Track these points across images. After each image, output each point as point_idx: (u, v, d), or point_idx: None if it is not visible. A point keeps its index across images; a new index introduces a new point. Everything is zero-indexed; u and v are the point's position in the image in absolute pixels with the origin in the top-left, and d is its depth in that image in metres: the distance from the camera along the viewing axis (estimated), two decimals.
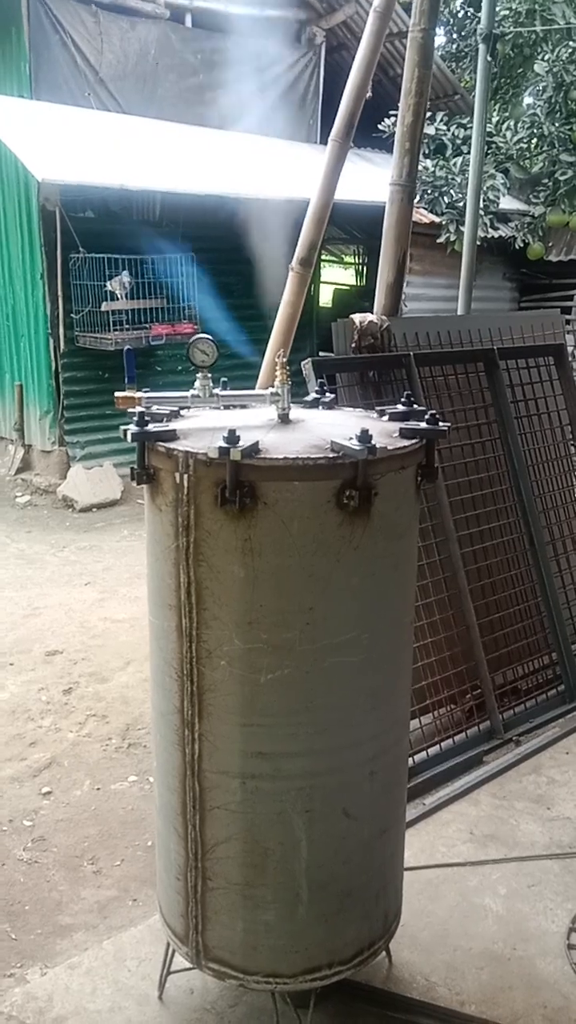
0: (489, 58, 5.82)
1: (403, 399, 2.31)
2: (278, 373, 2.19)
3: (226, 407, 2.36)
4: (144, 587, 2.16)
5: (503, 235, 9.85)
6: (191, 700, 2.02)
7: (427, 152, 9.35)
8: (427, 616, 3.60)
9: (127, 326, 7.92)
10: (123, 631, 5.19)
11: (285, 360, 2.25)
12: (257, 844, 2.06)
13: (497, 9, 8.34)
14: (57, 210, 7.73)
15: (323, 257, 13.67)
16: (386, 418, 2.26)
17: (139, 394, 2.26)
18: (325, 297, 13.71)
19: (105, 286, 7.77)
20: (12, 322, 8.73)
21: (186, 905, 2.18)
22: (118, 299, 7.86)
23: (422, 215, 9.16)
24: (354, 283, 15.41)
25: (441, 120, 9.61)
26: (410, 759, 3.36)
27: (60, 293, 7.98)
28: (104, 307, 7.81)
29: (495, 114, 10.23)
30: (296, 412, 2.27)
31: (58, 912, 2.88)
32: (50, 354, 8.17)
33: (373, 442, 1.83)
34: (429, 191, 9.18)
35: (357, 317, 3.71)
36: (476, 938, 2.68)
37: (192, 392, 2.31)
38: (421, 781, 3.41)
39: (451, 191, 9.09)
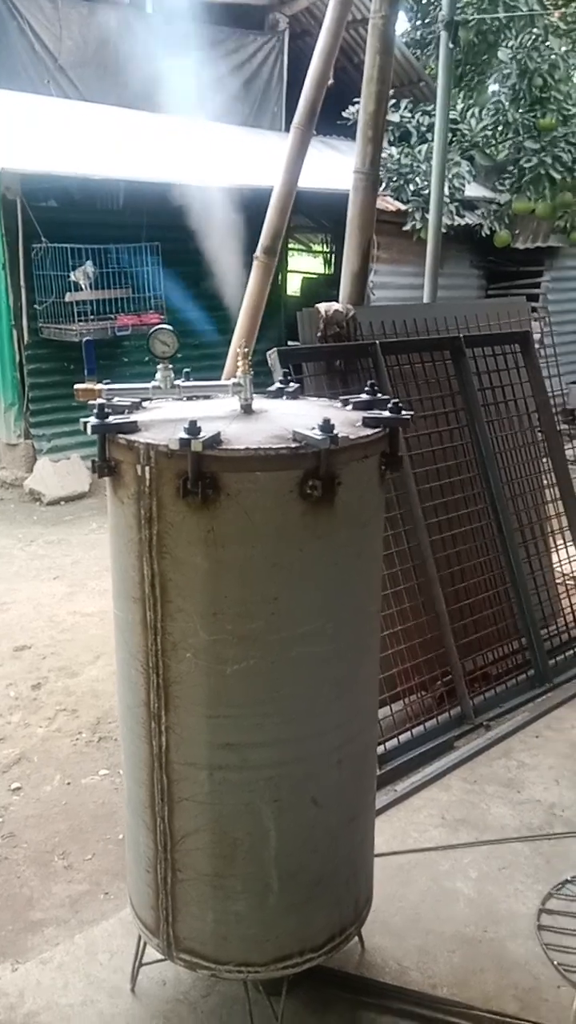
0: (451, 45, 5.81)
1: (367, 388, 2.31)
2: (240, 363, 2.18)
3: (189, 398, 2.34)
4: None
5: (469, 223, 9.88)
6: (157, 693, 2.01)
7: (392, 140, 9.34)
8: (397, 604, 3.62)
9: (92, 317, 7.84)
10: (92, 625, 5.15)
11: (248, 350, 2.24)
12: (226, 835, 2.06)
13: None
14: (18, 199, 7.61)
15: (291, 246, 13.63)
16: (349, 407, 2.26)
17: (100, 386, 2.24)
18: (293, 286, 13.66)
19: (69, 276, 7.68)
20: None
21: (156, 897, 2.18)
22: (82, 289, 7.76)
23: (388, 203, 9.15)
24: (322, 271, 15.37)
25: (406, 107, 9.60)
26: (381, 746, 3.38)
27: (23, 284, 7.87)
28: (68, 297, 7.72)
29: (460, 101, 10.24)
30: (259, 402, 2.26)
31: (29, 908, 2.86)
32: (14, 346, 8.07)
33: (335, 431, 1.82)
34: (394, 179, 9.17)
35: (323, 306, 3.70)
36: (448, 922, 2.70)
37: (153, 384, 2.29)
38: (392, 768, 3.43)
39: (416, 179, 9.09)
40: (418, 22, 11.30)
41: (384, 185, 9.01)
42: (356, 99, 7.83)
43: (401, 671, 3.64)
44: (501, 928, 2.68)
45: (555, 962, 2.54)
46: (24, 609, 5.40)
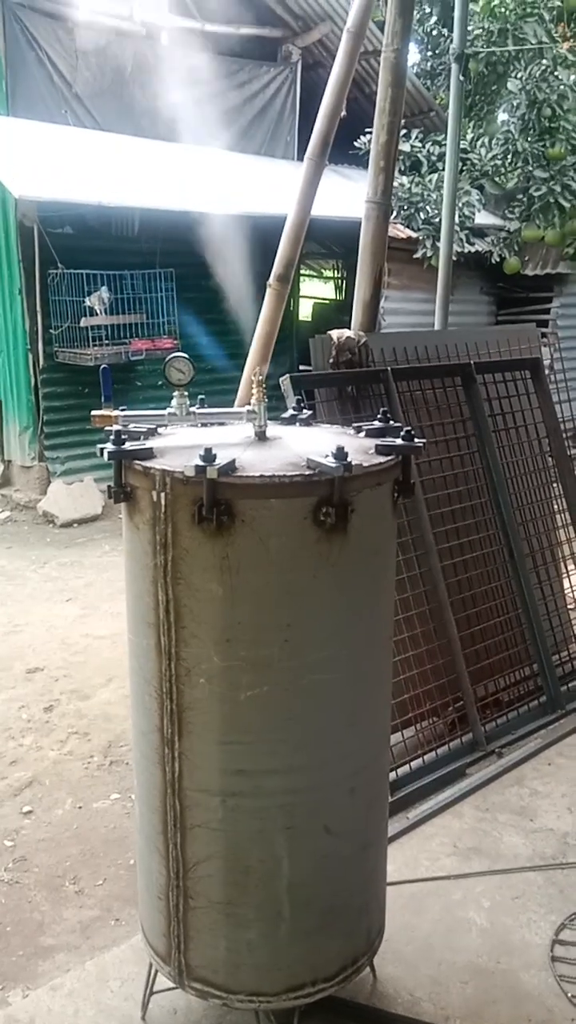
0: (461, 77, 5.90)
1: (379, 415, 2.33)
2: (255, 390, 2.20)
3: (203, 425, 2.37)
4: (125, 604, 2.17)
5: (479, 250, 9.96)
6: (171, 718, 2.02)
7: (403, 169, 9.44)
8: (408, 629, 3.62)
9: (106, 341, 7.92)
10: (105, 647, 5.16)
11: (262, 378, 2.26)
12: (238, 862, 2.05)
13: (469, 28, 8.48)
14: (35, 226, 7.73)
15: (303, 271, 13.74)
16: (362, 434, 2.28)
17: (116, 412, 2.27)
18: (305, 311, 13.77)
19: (84, 301, 7.77)
20: None
21: (168, 924, 2.17)
22: (97, 314, 7.86)
23: (399, 230, 9.24)
24: (334, 297, 15.48)
25: (416, 137, 9.72)
26: (393, 772, 3.37)
27: (39, 309, 7.97)
28: (83, 322, 7.82)
29: (470, 131, 10.36)
30: (273, 429, 2.28)
31: (40, 933, 2.85)
32: (29, 370, 8.16)
33: (349, 459, 1.85)
34: (405, 207, 9.26)
35: (335, 333, 3.74)
36: (460, 952, 2.68)
37: (169, 410, 2.32)
38: (404, 795, 3.41)
39: (427, 207, 9.18)
40: (428, 53, 11.47)
41: (395, 214, 9.10)
42: (368, 129, 7.96)
43: (413, 697, 3.63)
44: (514, 959, 2.65)
45: (569, 994, 2.51)
46: (37, 631, 5.42)
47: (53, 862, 3.21)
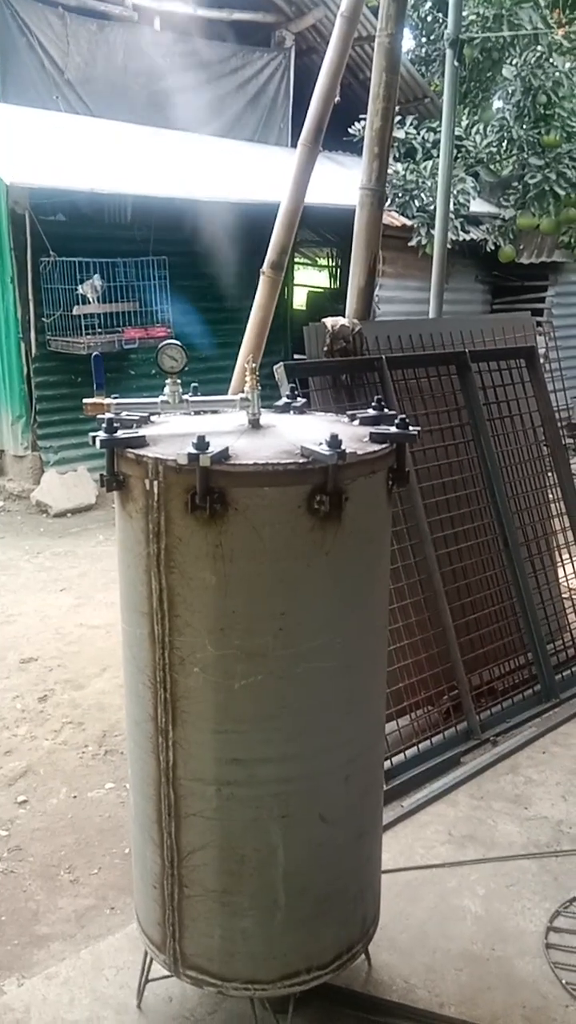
0: (456, 63, 5.86)
1: (374, 403, 2.32)
2: (248, 378, 2.19)
3: (196, 413, 2.35)
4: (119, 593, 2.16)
5: (474, 238, 9.92)
6: (165, 707, 2.01)
7: (397, 156, 9.40)
8: (403, 618, 3.62)
9: (99, 330, 7.88)
10: (99, 637, 5.15)
11: (256, 365, 2.25)
12: (233, 851, 2.05)
13: (464, 14, 8.42)
14: (27, 213, 7.68)
15: (297, 260, 13.69)
16: (357, 422, 2.27)
17: (108, 400, 2.25)
18: (299, 300, 13.72)
19: (77, 290, 7.73)
20: None
21: (163, 913, 2.17)
22: (90, 303, 7.82)
23: (394, 218, 9.20)
24: (328, 286, 15.44)
25: (411, 124, 9.67)
26: (387, 761, 3.37)
27: (31, 297, 7.92)
28: (76, 311, 7.77)
29: (464, 118, 10.31)
30: (267, 417, 2.27)
31: (35, 922, 2.85)
32: (22, 358, 8.11)
33: (343, 447, 1.83)
34: (400, 195, 9.23)
35: (329, 321, 3.71)
36: (455, 939, 2.69)
37: (162, 398, 2.30)
38: (399, 783, 3.41)
39: (422, 195, 9.15)
40: (423, 39, 11.40)
41: (390, 201, 9.06)
42: (362, 116, 7.91)
43: (407, 686, 3.63)
44: (509, 946, 2.66)
45: (563, 981, 2.52)
46: (31, 621, 5.41)
47: (48, 851, 3.21)
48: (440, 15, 10.71)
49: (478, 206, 9.92)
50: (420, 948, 2.64)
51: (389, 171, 4.60)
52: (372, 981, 2.52)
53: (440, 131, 6.44)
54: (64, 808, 3.47)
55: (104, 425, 2.00)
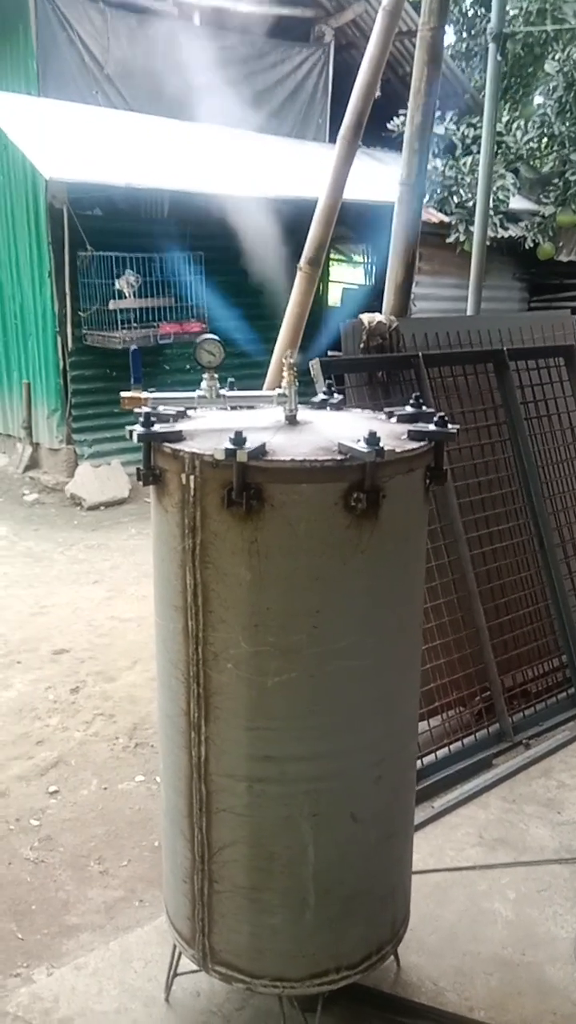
0: (499, 57, 5.79)
1: (412, 401, 2.30)
2: (285, 374, 2.17)
3: (233, 408, 2.34)
4: (151, 586, 2.16)
5: (513, 235, 9.82)
6: (197, 703, 2.01)
7: (437, 152, 9.32)
8: (436, 618, 3.58)
9: (135, 324, 7.92)
10: (130, 630, 5.18)
11: (292, 361, 2.23)
12: (263, 848, 2.05)
13: (507, 8, 8.31)
14: (65, 208, 7.73)
15: (332, 256, 13.63)
16: (394, 420, 2.25)
17: (145, 394, 2.25)
18: (334, 296, 13.67)
19: (113, 284, 7.77)
20: (20, 320, 8.73)
21: (192, 908, 2.17)
22: (126, 297, 7.85)
23: (432, 215, 9.13)
24: (363, 282, 15.36)
25: (451, 119, 9.58)
26: (418, 762, 3.34)
27: (68, 291, 7.98)
28: (112, 305, 7.82)
29: (505, 114, 10.20)
30: (303, 413, 2.26)
31: (65, 912, 2.87)
32: (58, 352, 8.18)
33: (381, 444, 1.81)
34: (439, 191, 9.16)
35: (366, 317, 3.69)
36: (485, 943, 2.66)
37: (199, 393, 2.30)
38: (430, 784, 3.39)
39: (461, 191, 9.07)
40: (464, 34, 11.30)
41: (428, 197, 8.99)
42: (401, 111, 7.86)
43: (439, 686, 3.60)
44: (540, 952, 2.63)
45: None
46: (63, 613, 5.45)
47: (78, 842, 3.23)
48: (482, 10, 10.60)
49: (517, 203, 9.81)
50: (450, 951, 2.62)
51: (428, 167, 4.56)
52: (401, 983, 2.50)
53: (480, 127, 6.38)
54: (94, 799, 3.50)
55: (141, 419, 2.00)
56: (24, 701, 4.30)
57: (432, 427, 2.06)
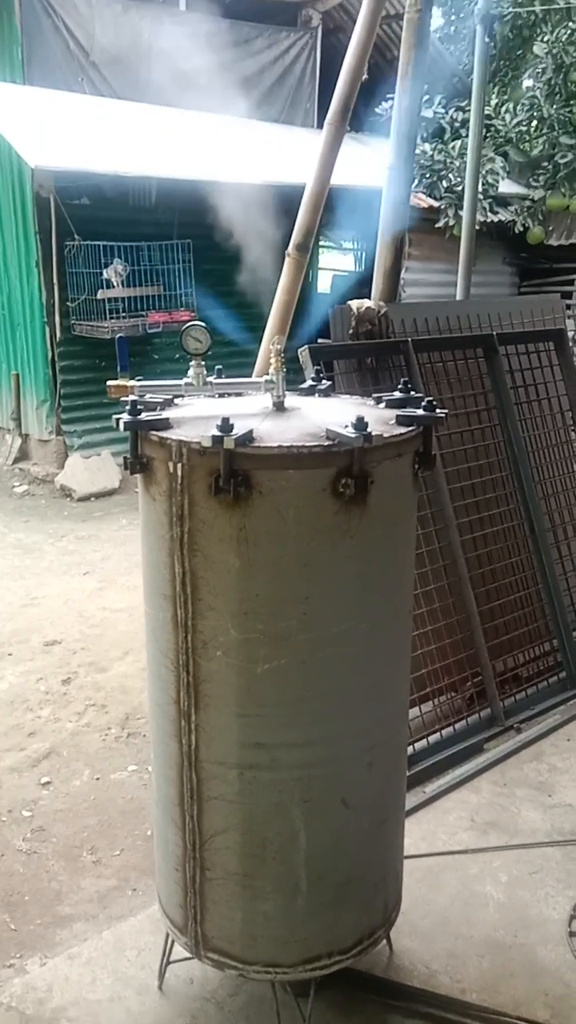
0: (487, 40, 5.76)
1: (400, 386, 2.29)
2: (273, 360, 2.16)
3: (221, 395, 2.33)
4: (142, 576, 2.15)
5: (502, 219, 9.78)
6: (187, 691, 2.00)
7: (425, 136, 9.27)
8: (427, 604, 3.59)
9: (123, 314, 7.87)
10: (122, 620, 5.17)
11: (281, 347, 2.22)
12: (255, 834, 2.05)
13: None
14: (51, 197, 7.66)
15: (321, 243, 13.58)
16: (383, 405, 2.24)
17: (132, 383, 2.23)
18: (323, 283, 13.62)
19: (101, 274, 7.72)
20: (7, 311, 8.67)
21: (185, 895, 2.18)
22: (114, 287, 7.80)
23: (421, 199, 9.09)
24: (352, 268, 15.31)
25: (439, 103, 9.52)
26: (410, 747, 3.35)
27: (55, 281, 7.92)
28: (100, 295, 7.77)
29: (494, 97, 10.15)
30: (291, 400, 2.24)
31: (58, 902, 2.87)
32: (46, 343, 8.13)
33: (369, 430, 1.80)
34: (427, 175, 9.12)
35: (355, 303, 3.67)
36: (477, 926, 2.67)
37: (186, 380, 2.28)
38: (421, 769, 3.40)
39: (450, 175, 9.03)
40: (452, 17, 11.22)
41: (417, 181, 8.95)
42: (388, 95, 7.80)
43: (431, 671, 3.61)
44: (531, 933, 2.64)
45: None
46: (54, 604, 5.44)
47: (71, 832, 3.23)
48: None
49: (507, 187, 9.77)
50: (442, 934, 2.63)
51: (416, 151, 4.53)
52: (393, 966, 2.51)
53: (469, 110, 6.35)
54: (87, 790, 3.50)
55: (128, 407, 1.99)
56: (16, 693, 4.29)
57: (420, 412, 2.05)
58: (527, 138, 9.95)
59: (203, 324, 2.31)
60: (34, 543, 6.71)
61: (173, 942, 2.36)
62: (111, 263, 7.73)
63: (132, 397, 2.10)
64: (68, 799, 3.43)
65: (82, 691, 4.31)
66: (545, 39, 9.32)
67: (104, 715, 4.08)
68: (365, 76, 4.30)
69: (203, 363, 2.30)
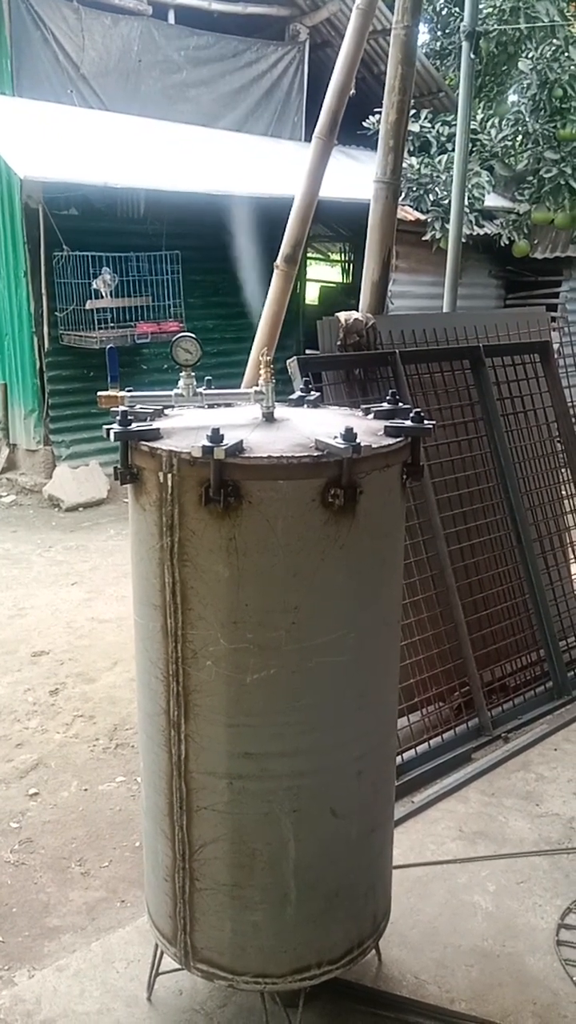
0: (473, 56, 5.82)
1: (388, 397, 2.31)
2: (262, 371, 2.18)
3: (210, 406, 2.35)
4: (131, 586, 2.15)
5: (488, 232, 9.87)
6: (177, 701, 2.01)
7: (412, 150, 9.36)
8: (415, 614, 3.60)
9: (112, 324, 7.89)
10: (110, 631, 5.16)
11: (270, 359, 2.24)
12: (244, 845, 2.05)
13: (481, 6, 8.36)
14: (40, 208, 7.68)
15: (309, 255, 13.66)
16: (371, 416, 2.26)
17: (122, 393, 2.25)
18: (311, 295, 13.69)
19: (90, 284, 7.73)
20: None
21: (174, 906, 2.17)
22: (103, 297, 7.82)
23: (407, 213, 9.16)
24: (340, 280, 15.40)
25: (426, 117, 9.62)
26: (398, 757, 3.36)
27: (44, 291, 7.93)
28: (89, 305, 7.78)
29: (480, 112, 10.24)
30: (281, 411, 2.26)
31: (46, 914, 2.86)
32: (34, 353, 8.13)
33: (358, 440, 1.82)
34: (414, 189, 9.18)
35: (343, 315, 3.70)
36: (466, 935, 2.68)
37: (176, 391, 2.30)
38: (410, 779, 3.41)
39: (436, 189, 9.10)
40: (438, 33, 11.33)
41: (404, 195, 9.02)
42: (376, 109, 7.87)
43: (419, 681, 3.62)
44: (519, 943, 2.65)
45: (574, 978, 2.51)
46: (42, 615, 5.42)
47: (59, 844, 3.22)
48: (456, 9, 10.63)
49: (493, 200, 9.86)
50: (430, 944, 2.64)
51: (404, 165, 4.58)
52: (382, 976, 2.51)
53: (455, 125, 6.41)
54: (75, 801, 3.48)
55: (118, 418, 2.00)
56: (3, 704, 4.27)
57: (408, 423, 2.08)
58: (512, 152, 10.04)
59: (193, 335, 2.32)
60: (22, 553, 6.69)
61: (162, 953, 2.35)
62: (100, 274, 7.75)
63: (122, 408, 2.11)
64: (56, 810, 3.42)
65: (70, 702, 4.30)
66: (530, 55, 9.41)
67: (92, 726, 4.06)
68: (353, 91, 4.34)
69: (193, 374, 2.32)
